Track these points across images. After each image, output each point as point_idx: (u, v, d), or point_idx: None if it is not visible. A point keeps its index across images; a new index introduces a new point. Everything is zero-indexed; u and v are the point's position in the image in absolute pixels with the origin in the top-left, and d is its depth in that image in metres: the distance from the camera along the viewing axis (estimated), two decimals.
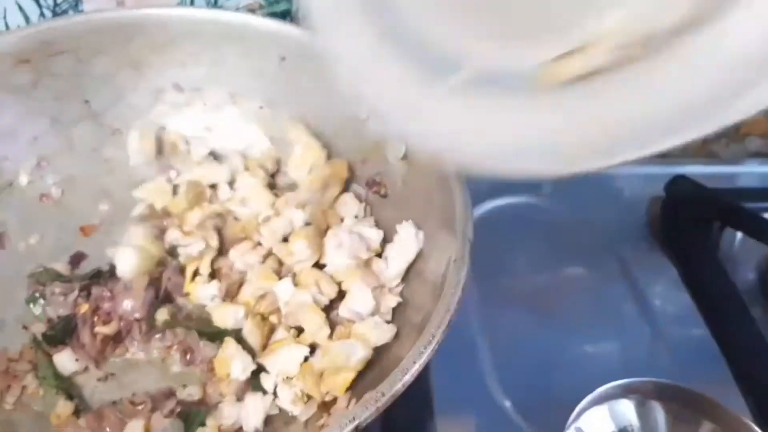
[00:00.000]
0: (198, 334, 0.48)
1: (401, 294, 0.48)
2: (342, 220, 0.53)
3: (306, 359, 0.46)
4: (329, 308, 0.49)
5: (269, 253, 0.52)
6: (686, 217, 0.64)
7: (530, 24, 0.32)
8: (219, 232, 0.52)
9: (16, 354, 0.47)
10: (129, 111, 0.58)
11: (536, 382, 0.51)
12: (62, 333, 0.48)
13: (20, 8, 0.60)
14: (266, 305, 0.48)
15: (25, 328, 0.49)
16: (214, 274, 0.51)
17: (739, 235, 0.65)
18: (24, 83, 0.53)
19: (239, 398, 0.45)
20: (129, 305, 0.48)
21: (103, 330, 0.47)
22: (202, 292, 0.49)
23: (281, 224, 0.51)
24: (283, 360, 0.46)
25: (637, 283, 0.61)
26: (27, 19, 0.61)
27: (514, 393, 0.51)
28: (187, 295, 0.50)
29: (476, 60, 0.33)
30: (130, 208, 0.56)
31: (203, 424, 0.44)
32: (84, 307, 0.48)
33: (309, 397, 0.45)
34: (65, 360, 0.47)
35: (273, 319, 0.49)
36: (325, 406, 0.44)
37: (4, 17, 0.60)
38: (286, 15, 0.65)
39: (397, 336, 0.45)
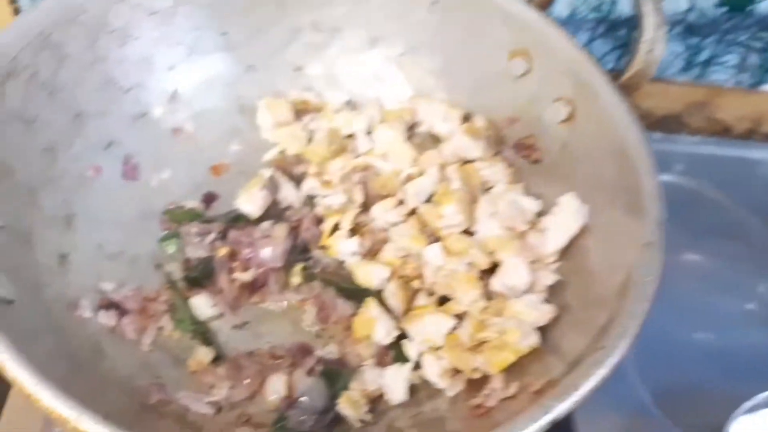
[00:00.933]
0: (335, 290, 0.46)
1: (558, 272, 0.44)
2: (486, 186, 0.49)
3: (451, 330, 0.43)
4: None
5: (411, 212, 0.49)
6: None
7: None
8: (364, 186, 0.49)
9: (152, 293, 0.45)
10: (265, 47, 0.54)
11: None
12: (202, 275, 0.46)
13: None
14: (411, 268, 0.46)
15: (158, 266, 0.47)
16: (354, 230, 0.48)
17: None
18: (165, 5, 0.51)
19: (379, 363, 0.43)
20: (269, 253, 0.46)
21: (242, 276, 0.45)
22: (343, 248, 0.47)
23: (428, 183, 0.48)
24: (428, 328, 0.43)
25: None
26: None
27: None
28: (323, 248, 0.48)
29: None
30: (262, 151, 0.53)
31: (346, 388, 0.42)
32: (222, 251, 0.46)
33: (456, 372, 0.42)
34: (202, 304, 0.45)
35: (414, 283, 0.46)
36: (473, 384, 0.41)
37: None
38: None
39: (555, 319, 0.42)
